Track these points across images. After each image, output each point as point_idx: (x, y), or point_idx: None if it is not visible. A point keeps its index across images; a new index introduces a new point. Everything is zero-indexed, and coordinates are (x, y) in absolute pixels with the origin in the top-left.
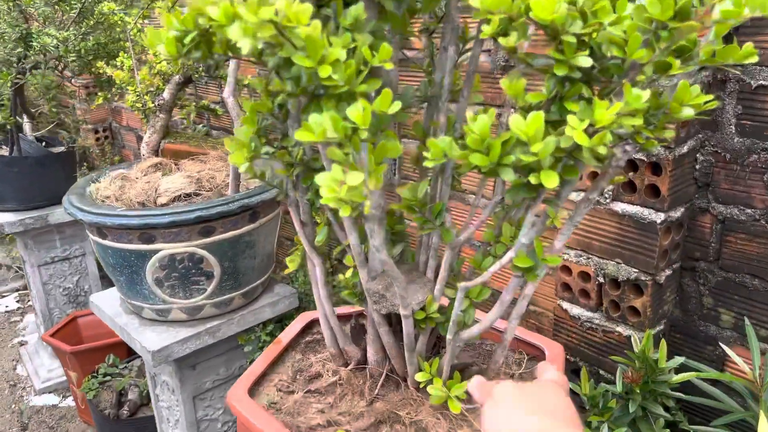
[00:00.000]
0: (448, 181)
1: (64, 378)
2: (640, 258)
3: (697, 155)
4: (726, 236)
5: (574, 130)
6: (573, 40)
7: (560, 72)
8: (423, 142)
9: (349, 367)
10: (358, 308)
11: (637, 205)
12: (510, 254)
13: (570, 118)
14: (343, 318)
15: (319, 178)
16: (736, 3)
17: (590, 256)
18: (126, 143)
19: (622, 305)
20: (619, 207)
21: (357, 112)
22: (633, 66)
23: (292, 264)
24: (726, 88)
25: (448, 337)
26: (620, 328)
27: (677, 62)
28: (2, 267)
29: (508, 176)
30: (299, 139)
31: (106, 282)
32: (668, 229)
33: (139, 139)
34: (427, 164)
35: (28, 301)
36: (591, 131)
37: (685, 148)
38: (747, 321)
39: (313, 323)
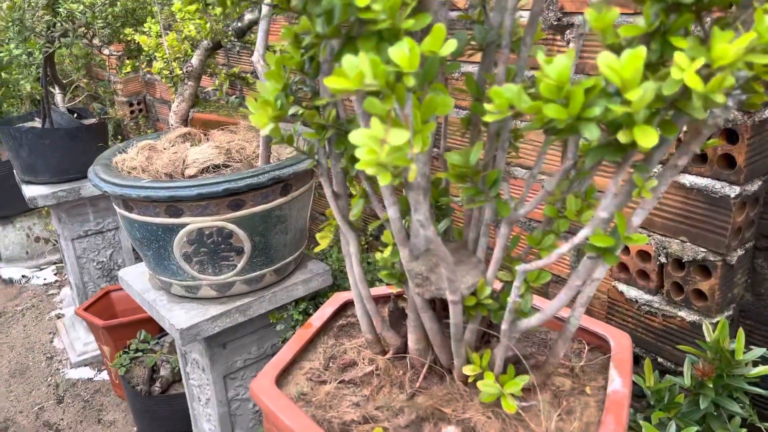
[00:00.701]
0: (505, 146)
1: (99, 352)
2: (710, 236)
3: None
4: None
5: (684, 71)
6: None
7: None
8: (478, 99)
9: (387, 356)
10: (396, 288)
11: (707, 177)
12: (586, 231)
13: (678, 56)
14: (380, 299)
15: (355, 136)
16: None
17: (651, 233)
18: (160, 116)
19: (686, 288)
20: (687, 179)
21: (402, 53)
22: None
23: (323, 241)
24: None
25: (503, 327)
26: (683, 313)
27: None
28: (40, 240)
29: (593, 133)
30: (329, 87)
31: (140, 256)
32: (743, 204)
33: None
34: (488, 119)
35: (65, 273)
36: (706, 73)
37: (766, 113)
38: None
39: (347, 305)
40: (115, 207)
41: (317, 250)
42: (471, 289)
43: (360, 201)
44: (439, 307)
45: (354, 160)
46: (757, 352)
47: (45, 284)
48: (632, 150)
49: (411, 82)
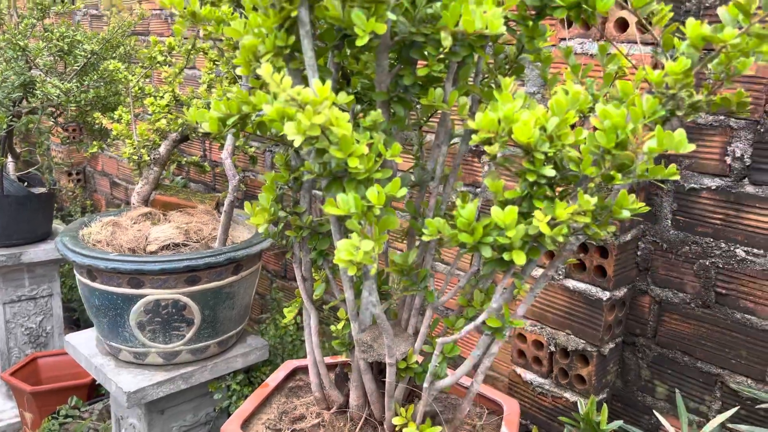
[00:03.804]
0: (432, 251)
1: (17, 419)
2: (588, 331)
3: (639, 243)
4: (662, 316)
5: (540, 222)
6: (542, 156)
7: (531, 178)
8: (414, 217)
9: (332, 411)
10: (340, 359)
11: (586, 283)
12: (483, 316)
13: (537, 212)
14: (327, 367)
15: (341, 244)
16: (659, 142)
17: (544, 326)
18: (99, 188)
19: (570, 373)
20: (571, 283)
21: (374, 194)
22: (585, 177)
23: (289, 314)
24: (664, 187)
25: (425, 385)
26: (568, 394)
27: (619, 175)
28: None
29: (487, 253)
30: (327, 211)
31: (68, 326)
32: (612, 306)
33: (114, 184)
34: (424, 239)
35: None
36: (552, 224)
37: (629, 236)
38: (678, 393)
39: (297, 370)
40: (78, 275)
41: (284, 321)
42: (403, 355)
43: (322, 285)
44: (375, 371)
45: (321, 253)
46: (616, 423)
47: None
48: (513, 265)
49: (377, 212)
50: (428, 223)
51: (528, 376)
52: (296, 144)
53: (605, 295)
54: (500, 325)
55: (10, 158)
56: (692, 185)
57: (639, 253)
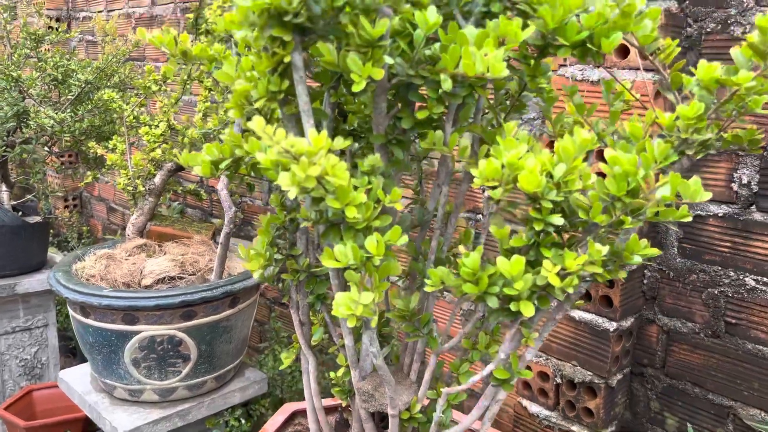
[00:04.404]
0: (435, 294)
1: None
2: (594, 362)
3: (645, 271)
4: (670, 346)
5: (549, 272)
6: (549, 205)
7: (538, 227)
8: (415, 259)
9: None
10: (341, 400)
11: (592, 313)
12: (490, 367)
13: (545, 262)
14: (326, 410)
15: (339, 297)
16: (673, 189)
17: (549, 357)
18: (95, 213)
19: (577, 405)
20: (576, 314)
21: (373, 244)
22: (595, 225)
23: (287, 360)
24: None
25: None
26: (575, 428)
27: (629, 219)
28: None
29: (493, 303)
30: (325, 264)
31: (64, 355)
32: (620, 336)
33: (110, 210)
34: (427, 289)
35: None
36: (562, 274)
37: (634, 265)
38: (689, 426)
39: (295, 414)
40: (71, 311)
41: (282, 367)
42: (406, 405)
43: (320, 329)
44: (377, 418)
45: (319, 297)
46: None
47: None
48: (520, 315)
49: (377, 262)
50: (431, 273)
51: (534, 408)
52: (291, 196)
53: (612, 326)
54: (508, 375)
55: (4, 188)
56: (698, 212)
57: (645, 281)
